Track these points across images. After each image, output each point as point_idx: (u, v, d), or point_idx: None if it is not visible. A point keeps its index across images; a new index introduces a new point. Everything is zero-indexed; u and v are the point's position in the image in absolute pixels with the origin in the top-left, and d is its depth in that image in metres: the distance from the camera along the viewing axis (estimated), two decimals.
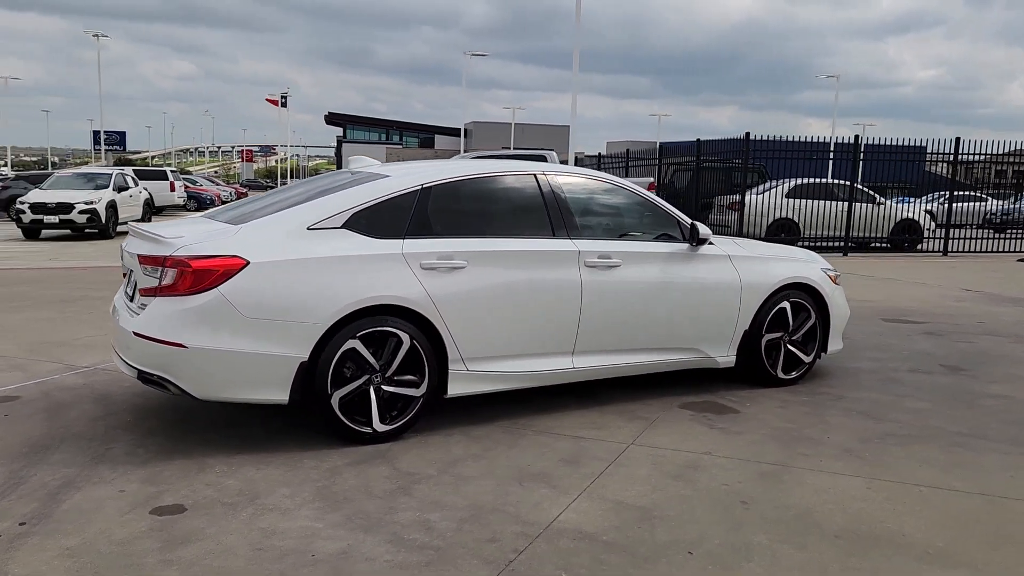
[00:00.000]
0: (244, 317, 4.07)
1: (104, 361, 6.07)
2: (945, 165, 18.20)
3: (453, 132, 57.56)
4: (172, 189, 29.77)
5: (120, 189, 20.29)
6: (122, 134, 53.16)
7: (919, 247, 18.27)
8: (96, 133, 49.90)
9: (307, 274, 4.20)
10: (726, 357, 5.60)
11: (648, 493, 3.84)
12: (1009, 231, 19.62)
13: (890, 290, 11.40)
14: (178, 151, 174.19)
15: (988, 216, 22.45)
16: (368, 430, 4.37)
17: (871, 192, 17.54)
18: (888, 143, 17.28)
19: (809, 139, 17.13)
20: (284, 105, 64.90)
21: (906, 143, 17.36)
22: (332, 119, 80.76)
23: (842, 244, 17.03)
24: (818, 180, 17.17)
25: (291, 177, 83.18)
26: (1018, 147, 19.40)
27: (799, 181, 17.28)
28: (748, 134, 16.25)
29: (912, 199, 19.39)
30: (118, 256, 5.00)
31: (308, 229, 4.34)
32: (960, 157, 17.52)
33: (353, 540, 3.28)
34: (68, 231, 18.78)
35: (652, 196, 5.53)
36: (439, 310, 4.47)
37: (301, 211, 4.44)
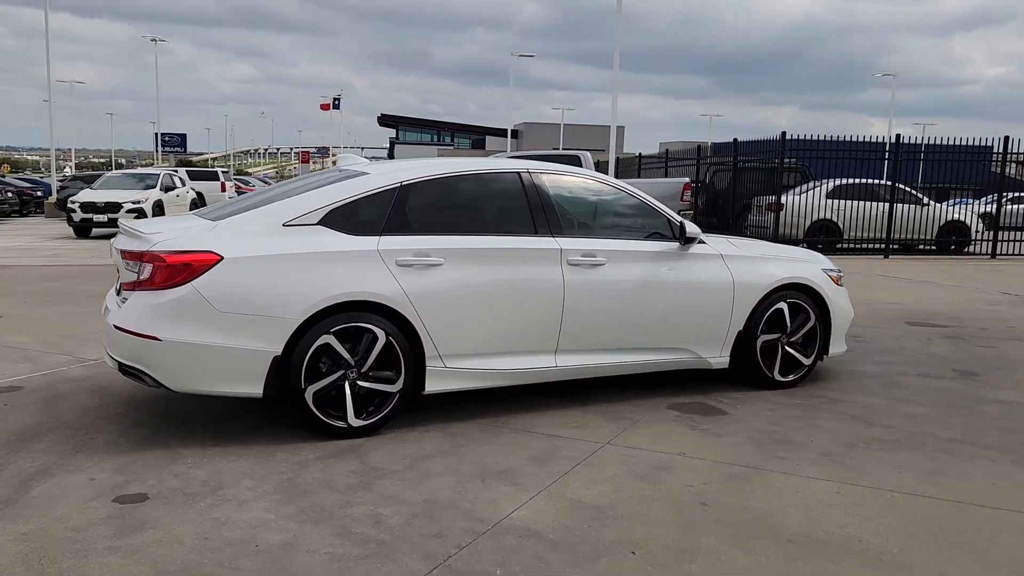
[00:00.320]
0: (217, 311, 4.16)
1: None
2: (996, 165, 17.61)
3: (504, 133, 57.80)
4: (223, 189, 30.48)
5: (167, 189, 20.83)
6: (183, 136, 54.43)
7: (967, 250, 17.73)
8: (157, 135, 51.32)
9: (280, 270, 4.27)
10: (719, 358, 5.52)
11: (609, 493, 3.81)
12: None
13: (923, 293, 11.09)
14: (237, 153, 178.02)
15: None
16: (342, 424, 4.42)
17: (916, 193, 17.08)
18: (947, 143, 16.83)
19: (849, 139, 16.71)
20: (337, 108, 65.79)
21: (958, 143, 16.85)
22: (385, 121, 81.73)
23: (883, 246, 16.60)
24: (860, 180, 16.76)
25: None
26: None
27: (840, 181, 16.90)
28: (784, 134, 15.96)
29: (969, 200, 18.80)
30: None
31: (284, 225, 4.41)
32: (1010, 157, 16.95)
33: (300, 532, 3.32)
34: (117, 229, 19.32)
35: (643, 195, 5.47)
36: (415, 307, 4.50)
37: (278, 208, 4.51)
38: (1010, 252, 17.52)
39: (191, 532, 3.30)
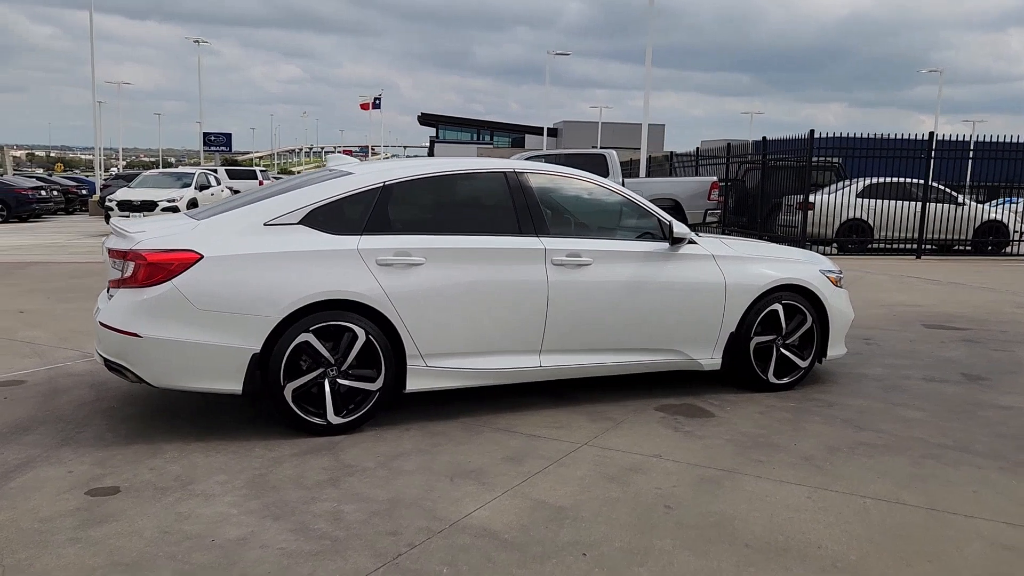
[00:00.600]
0: (197, 309, 4.23)
1: None
2: None
3: (543, 132, 57.86)
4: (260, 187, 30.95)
5: (202, 187, 21.20)
6: (228, 135, 55.45)
7: (1005, 251, 17.27)
8: (203, 135, 52.39)
9: (259, 269, 4.33)
10: (710, 360, 5.46)
11: (575, 494, 3.80)
12: None
13: (947, 294, 10.84)
14: (282, 152, 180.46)
15: None
16: (321, 421, 4.47)
17: (951, 192, 16.67)
18: (999, 140, 16.47)
19: (883, 136, 16.37)
20: (377, 107, 66.34)
21: (1009, 140, 16.44)
22: (425, 120, 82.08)
23: (915, 246, 16.25)
24: (892, 179, 16.41)
25: None
26: None
27: (872, 180, 16.57)
28: (812, 131, 15.69)
29: (1016, 200, 18.25)
30: None
31: (265, 225, 4.47)
32: None
33: (258, 527, 3.37)
34: None
35: (634, 196, 5.43)
36: (395, 306, 4.53)
37: (260, 207, 4.58)
38: None
39: (152, 526, 3.36)
